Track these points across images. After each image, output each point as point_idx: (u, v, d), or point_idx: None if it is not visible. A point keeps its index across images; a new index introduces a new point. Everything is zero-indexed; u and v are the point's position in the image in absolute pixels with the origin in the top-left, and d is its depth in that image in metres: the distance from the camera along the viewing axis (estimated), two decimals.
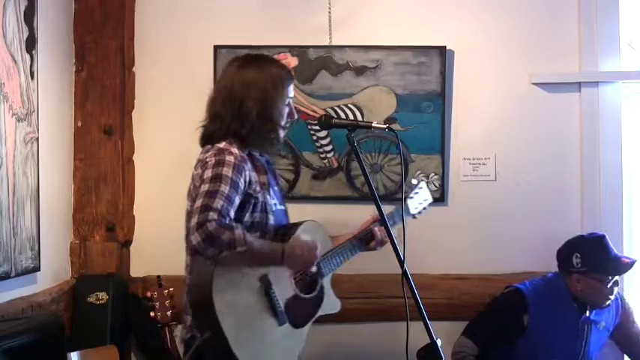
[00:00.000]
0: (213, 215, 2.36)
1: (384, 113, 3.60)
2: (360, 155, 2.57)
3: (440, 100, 3.59)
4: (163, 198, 3.65)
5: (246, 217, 2.54)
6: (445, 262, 3.61)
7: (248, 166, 2.55)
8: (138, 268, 3.65)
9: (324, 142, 3.60)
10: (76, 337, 3.30)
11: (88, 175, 3.54)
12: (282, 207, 2.74)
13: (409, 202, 3.00)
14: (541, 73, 3.63)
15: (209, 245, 2.35)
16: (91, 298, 3.39)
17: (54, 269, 3.31)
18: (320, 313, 2.71)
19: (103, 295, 3.39)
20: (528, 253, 3.61)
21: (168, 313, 3.39)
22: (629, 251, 3.66)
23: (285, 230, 2.65)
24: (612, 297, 3.21)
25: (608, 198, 3.59)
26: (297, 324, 2.60)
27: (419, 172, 3.59)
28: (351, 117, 3.58)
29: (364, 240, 2.84)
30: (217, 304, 2.40)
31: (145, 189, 3.66)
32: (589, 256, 3.18)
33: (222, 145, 2.55)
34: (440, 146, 3.60)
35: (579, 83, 3.62)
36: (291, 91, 2.68)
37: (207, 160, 2.51)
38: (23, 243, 2.93)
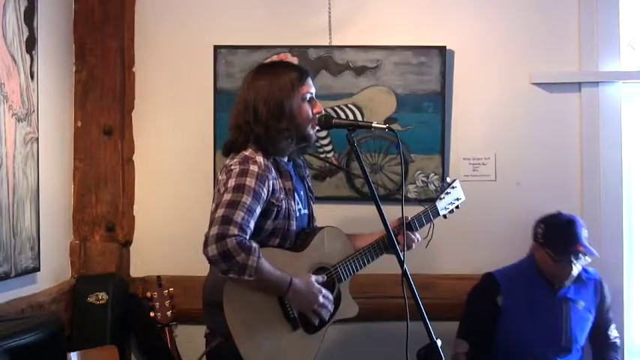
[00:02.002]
0: (234, 230, 2.38)
1: (384, 113, 3.60)
2: (360, 155, 2.58)
3: (440, 100, 3.59)
4: (163, 198, 3.66)
5: (268, 224, 2.57)
6: (445, 262, 3.61)
7: (272, 174, 2.56)
8: (138, 268, 3.65)
9: (324, 142, 3.60)
10: (76, 337, 3.30)
11: (88, 175, 3.54)
12: (307, 211, 2.77)
13: (438, 202, 2.97)
14: (541, 73, 3.63)
15: (223, 261, 2.37)
16: (91, 298, 3.39)
17: (54, 269, 3.31)
18: (336, 317, 2.71)
19: (103, 295, 3.39)
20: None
21: (168, 313, 3.40)
22: (630, 251, 3.66)
23: (305, 237, 2.68)
24: (567, 279, 3.19)
25: (608, 198, 3.59)
26: (312, 329, 2.61)
27: (419, 172, 3.59)
28: (351, 117, 3.58)
29: (387, 245, 2.79)
30: (227, 310, 2.42)
31: (145, 189, 3.66)
32: (550, 231, 3.22)
33: (247, 152, 2.57)
34: (440, 146, 3.60)
35: (579, 83, 3.62)
36: (310, 86, 2.68)
37: (232, 167, 2.53)
38: (23, 243, 2.93)
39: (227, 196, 2.45)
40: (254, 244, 2.42)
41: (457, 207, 3.05)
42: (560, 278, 3.21)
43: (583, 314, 3.27)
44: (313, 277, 2.59)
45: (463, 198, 3.07)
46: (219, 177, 2.59)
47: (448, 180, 3.06)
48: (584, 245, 3.18)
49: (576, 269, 3.19)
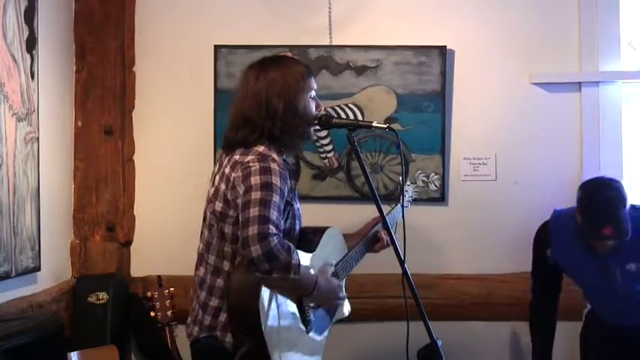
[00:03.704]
0: (273, 229, 2.31)
1: (384, 113, 3.60)
2: (361, 155, 2.57)
3: (440, 100, 3.59)
4: (163, 198, 3.66)
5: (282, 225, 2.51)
6: (445, 262, 3.61)
7: (287, 173, 2.52)
8: (138, 268, 3.65)
9: (324, 141, 3.60)
10: (76, 337, 3.30)
11: (88, 175, 3.54)
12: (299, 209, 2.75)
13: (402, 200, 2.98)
14: (541, 73, 3.63)
15: (267, 260, 2.29)
16: (91, 298, 3.39)
17: (54, 269, 3.31)
18: (336, 317, 2.71)
19: (103, 295, 3.39)
20: (528, 253, 3.60)
21: (169, 313, 3.40)
22: None
23: (311, 236, 2.66)
24: (603, 252, 2.97)
25: None
26: (320, 330, 2.61)
27: (419, 171, 3.60)
28: (352, 117, 3.58)
29: (371, 242, 2.83)
30: (263, 316, 2.36)
31: (145, 189, 3.66)
32: (583, 205, 2.98)
33: (261, 149, 2.49)
34: (440, 146, 3.60)
35: (579, 83, 3.62)
36: (314, 83, 2.65)
37: (251, 165, 2.44)
38: (23, 243, 2.93)
39: (256, 195, 2.36)
40: (291, 244, 2.38)
41: (409, 201, 3.12)
42: (596, 250, 3.01)
43: (636, 274, 3.02)
44: (330, 272, 2.60)
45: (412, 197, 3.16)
46: (233, 174, 2.48)
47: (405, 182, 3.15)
48: (616, 226, 2.87)
49: (612, 244, 2.93)
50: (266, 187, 2.39)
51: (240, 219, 2.36)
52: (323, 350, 2.65)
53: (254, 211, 2.33)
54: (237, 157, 2.50)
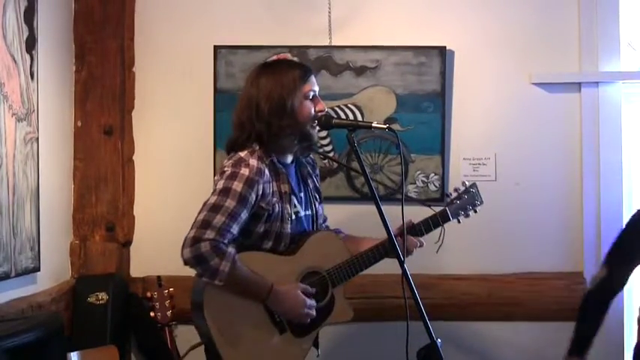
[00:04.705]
0: (210, 234, 2.42)
1: (384, 113, 3.60)
2: (360, 155, 2.57)
3: (440, 100, 3.59)
4: (163, 198, 3.66)
5: (259, 227, 2.58)
6: (445, 262, 3.60)
7: (264, 178, 2.56)
8: (138, 268, 3.65)
9: (324, 142, 3.60)
10: (76, 337, 3.30)
11: (88, 175, 3.54)
12: (309, 212, 2.75)
13: (449, 207, 2.88)
14: (541, 73, 3.63)
15: (196, 264, 2.43)
16: (91, 298, 3.39)
17: (54, 269, 3.31)
18: (328, 322, 2.70)
19: (103, 295, 3.39)
20: (528, 253, 3.61)
21: (168, 313, 3.40)
22: None
23: (297, 241, 2.66)
24: None
25: (608, 198, 3.59)
26: (300, 333, 2.61)
27: (419, 172, 3.59)
28: (351, 117, 3.58)
29: (387, 250, 2.74)
30: (207, 311, 2.46)
31: (145, 189, 3.66)
32: None
33: (243, 154, 2.58)
34: (440, 146, 3.60)
35: (579, 83, 3.62)
36: (313, 84, 2.68)
37: (225, 169, 2.56)
38: (23, 243, 2.93)
39: (212, 199, 2.50)
40: (230, 250, 2.44)
41: (475, 211, 2.92)
42: None
43: None
44: (301, 286, 2.58)
45: (480, 202, 2.93)
46: (215, 177, 2.62)
47: (467, 183, 2.93)
48: None
49: None
50: (224, 192, 2.49)
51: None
52: (304, 353, 2.64)
53: (200, 215, 2.47)
54: (224, 161, 2.63)
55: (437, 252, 2.88)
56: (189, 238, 2.44)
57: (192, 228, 2.46)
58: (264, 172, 2.56)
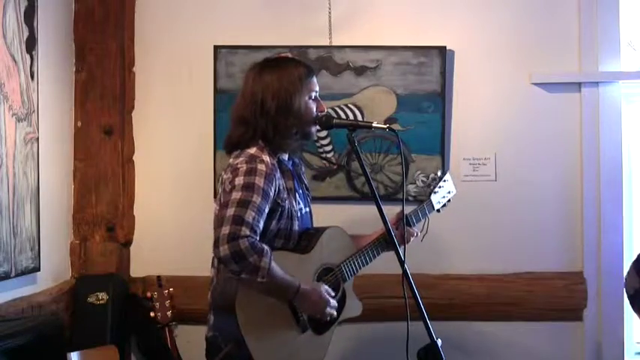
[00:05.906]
0: (245, 230, 2.34)
1: (384, 113, 3.60)
2: (361, 155, 2.58)
3: (440, 100, 3.59)
4: (163, 198, 3.65)
5: (273, 225, 2.54)
6: (445, 262, 3.61)
7: (278, 174, 2.55)
8: (138, 268, 3.64)
9: (324, 142, 3.60)
10: (76, 337, 3.30)
11: (88, 175, 3.54)
12: (308, 209, 2.75)
13: (433, 196, 2.98)
14: (541, 73, 3.62)
15: (235, 261, 2.34)
16: (91, 298, 3.39)
17: (54, 269, 3.31)
18: (342, 317, 2.71)
19: (103, 295, 3.39)
20: (529, 252, 3.61)
21: (168, 313, 3.40)
22: (630, 251, 3.65)
23: (309, 237, 2.66)
24: None
25: (608, 198, 3.59)
26: (320, 330, 2.61)
27: (419, 172, 3.59)
28: (352, 117, 3.58)
29: (387, 242, 2.78)
30: (240, 315, 2.40)
31: (145, 189, 3.66)
32: None
33: (253, 151, 2.54)
34: (440, 146, 3.60)
35: (579, 83, 3.62)
36: (316, 84, 2.67)
37: (239, 166, 2.50)
38: (23, 243, 2.93)
39: (237, 195, 2.41)
40: (265, 246, 2.40)
41: (449, 200, 3.06)
42: None
43: None
44: (324, 287, 2.58)
45: (454, 191, 3.09)
46: (224, 176, 2.57)
47: (439, 173, 3.08)
48: None
49: None
50: (248, 187, 2.43)
51: (219, 218, 2.41)
52: (325, 349, 2.65)
53: (230, 211, 2.38)
54: (231, 160, 2.58)
55: (422, 241, 2.95)
56: (224, 234, 2.34)
57: (223, 225, 2.36)
58: (276, 167, 2.55)
